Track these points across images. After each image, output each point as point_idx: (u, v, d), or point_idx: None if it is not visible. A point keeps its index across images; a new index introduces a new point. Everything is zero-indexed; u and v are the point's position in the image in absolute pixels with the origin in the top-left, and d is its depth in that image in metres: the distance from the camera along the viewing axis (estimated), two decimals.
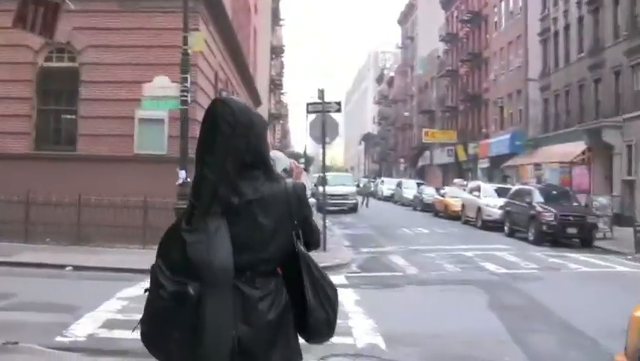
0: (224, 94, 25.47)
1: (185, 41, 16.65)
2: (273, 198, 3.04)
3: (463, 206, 34.19)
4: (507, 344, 9.11)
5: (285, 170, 4.05)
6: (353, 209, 41.02)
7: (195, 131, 19.46)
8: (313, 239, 3.24)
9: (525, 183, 32.85)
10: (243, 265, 2.92)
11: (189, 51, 16.76)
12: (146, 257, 12.33)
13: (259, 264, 3.00)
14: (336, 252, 19.79)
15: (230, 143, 2.99)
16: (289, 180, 3.28)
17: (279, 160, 3.99)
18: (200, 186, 3.00)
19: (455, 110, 67.30)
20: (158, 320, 2.98)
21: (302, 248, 3.12)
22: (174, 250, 2.95)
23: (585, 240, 24.43)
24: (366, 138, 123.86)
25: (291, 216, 3.08)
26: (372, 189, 61.61)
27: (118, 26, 19.81)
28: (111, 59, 19.65)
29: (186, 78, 16.57)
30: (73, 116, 20.28)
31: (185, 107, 16.69)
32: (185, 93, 16.61)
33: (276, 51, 69.00)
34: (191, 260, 2.86)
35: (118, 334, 9.05)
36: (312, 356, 8.43)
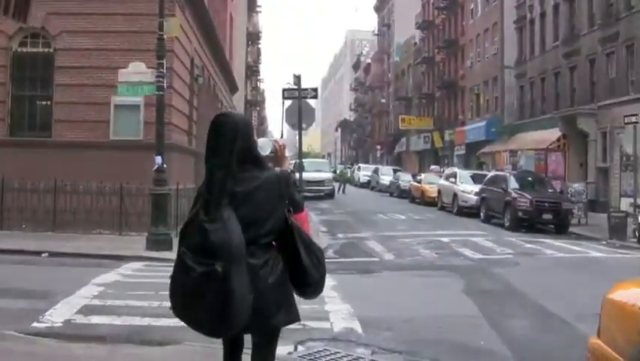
0: (200, 80, 25.36)
1: (160, 27, 16.53)
2: (267, 184, 3.91)
3: (439, 192, 34.35)
4: (482, 328, 9.19)
5: (271, 152, 4.42)
6: (330, 195, 41.06)
7: (171, 116, 19.46)
8: (299, 209, 4.17)
9: (501, 170, 33.07)
10: (248, 241, 3.74)
11: (165, 37, 16.65)
12: (122, 243, 12.27)
13: (260, 238, 3.85)
14: (312, 238, 19.78)
15: (233, 146, 3.84)
16: (277, 169, 4.19)
17: (265, 145, 4.35)
18: (212, 184, 3.83)
19: (431, 97, 67.47)
20: (189, 295, 3.76)
21: (293, 220, 3.99)
22: (194, 237, 3.76)
23: (560, 226, 24.67)
24: (343, 125, 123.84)
25: (281, 196, 3.96)
26: (349, 175, 61.76)
27: (93, 11, 19.65)
28: (86, 45, 19.50)
29: (162, 64, 16.45)
30: (49, 102, 20.11)
31: (161, 92, 16.59)
32: (161, 79, 16.51)
33: (253, 38, 68.76)
34: (214, 243, 3.65)
35: (94, 319, 9.04)
36: (290, 341, 8.48)
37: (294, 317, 4.14)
